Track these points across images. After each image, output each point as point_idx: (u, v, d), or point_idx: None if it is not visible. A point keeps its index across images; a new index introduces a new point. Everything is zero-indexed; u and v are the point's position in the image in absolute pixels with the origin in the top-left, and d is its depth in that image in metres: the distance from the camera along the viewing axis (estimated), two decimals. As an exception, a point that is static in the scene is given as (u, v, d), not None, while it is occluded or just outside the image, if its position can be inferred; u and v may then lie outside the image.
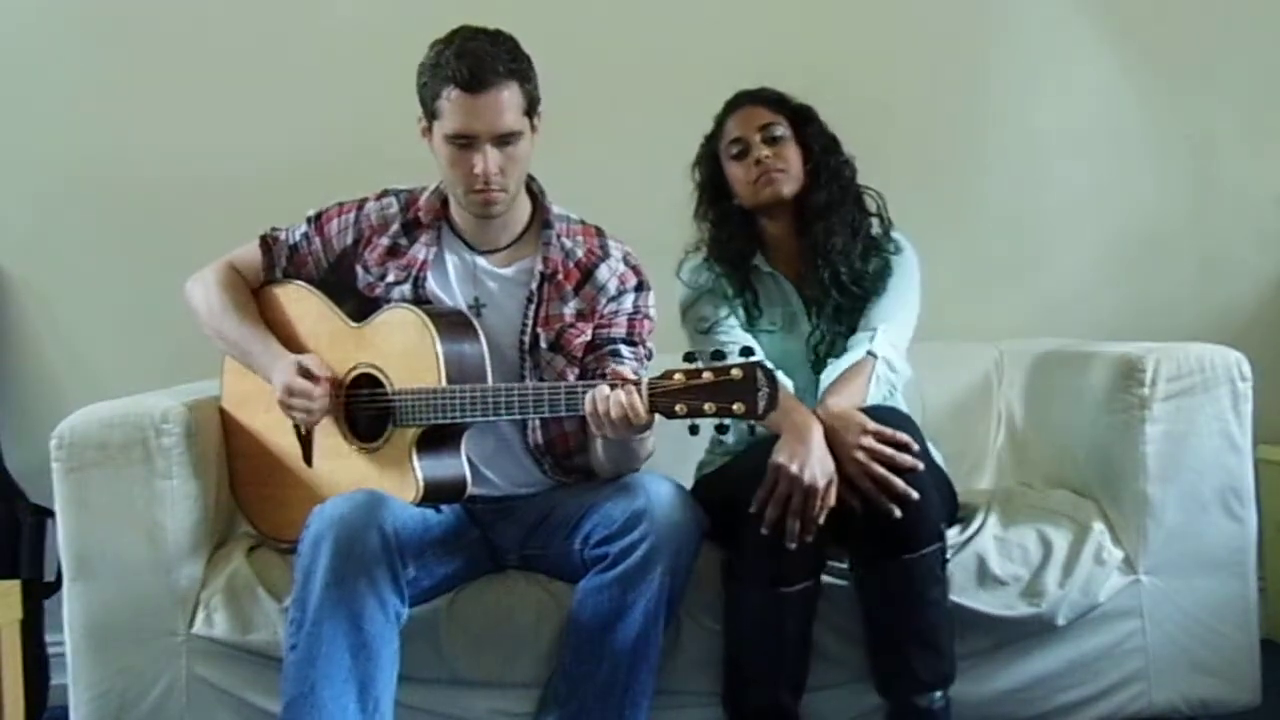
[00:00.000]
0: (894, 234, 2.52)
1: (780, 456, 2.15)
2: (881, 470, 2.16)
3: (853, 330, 2.43)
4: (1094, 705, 2.34)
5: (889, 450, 2.18)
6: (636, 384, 1.97)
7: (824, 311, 2.46)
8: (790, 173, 2.46)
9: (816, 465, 2.15)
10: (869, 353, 2.36)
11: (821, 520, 2.15)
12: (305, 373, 2.22)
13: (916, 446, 2.19)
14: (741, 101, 2.53)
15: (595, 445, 2.22)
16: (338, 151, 2.97)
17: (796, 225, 2.50)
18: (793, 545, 2.13)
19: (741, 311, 2.48)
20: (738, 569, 2.22)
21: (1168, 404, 2.32)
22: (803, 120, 2.51)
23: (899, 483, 2.15)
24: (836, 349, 2.44)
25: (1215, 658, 2.35)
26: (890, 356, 2.37)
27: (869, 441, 2.18)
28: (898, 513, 2.14)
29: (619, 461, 2.22)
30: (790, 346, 2.47)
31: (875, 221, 2.52)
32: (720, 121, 2.55)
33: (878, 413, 2.25)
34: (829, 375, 2.37)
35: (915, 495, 2.15)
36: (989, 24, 3.19)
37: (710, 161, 2.55)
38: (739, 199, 2.50)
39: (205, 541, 2.31)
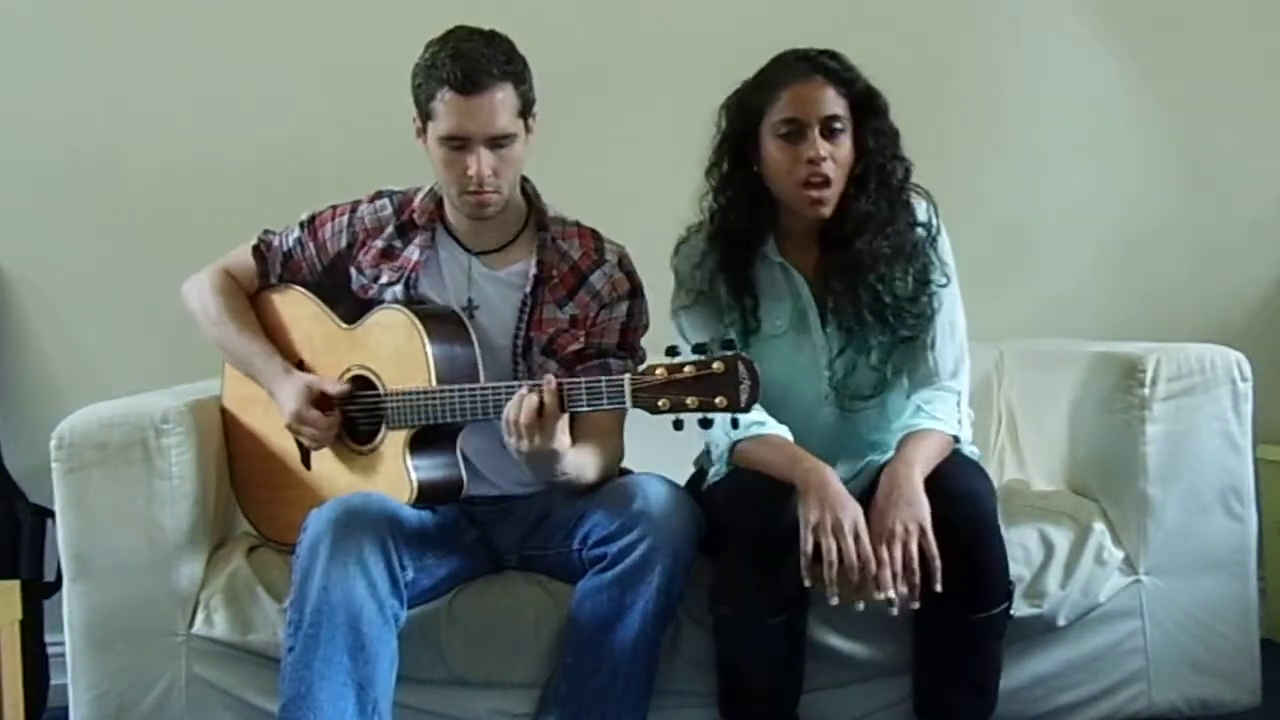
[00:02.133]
0: (941, 248, 2.26)
1: (811, 515, 2.03)
2: (894, 566, 2.03)
3: (869, 340, 2.22)
4: (1094, 705, 2.33)
5: (913, 556, 2.03)
6: (557, 387, 1.98)
7: (846, 324, 2.23)
8: (836, 186, 2.16)
9: (845, 512, 2.04)
10: (954, 437, 2.19)
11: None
12: (318, 401, 2.20)
13: (938, 586, 2.04)
14: (808, 72, 2.16)
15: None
16: (338, 149, 2.96)
17: (821, 225, 2.23)
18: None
19: (740, 321, 2.24)
20: (721, 597, 2.15)
21: (1168, 404, 2.31)
22: (866, 109, 2.19)
23: (886, 584, 2.02)
24: (859, 371, 2.24)
25: (1215, 658, 2.34)
26: (966, 435, 2.24)
27: (913, 543, 2.04)
28: (860, 607, 2.06)
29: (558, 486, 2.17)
30: (800, 352, 2.26)
31: (921, 232, 2.23)
32: (775, 81, 2.17)
33: (957, 466, 2.15)
34: (907, 419, 2.20)
35: (893, 608, 2.04)
36: (989, 25, 3.18)
37: (745, 116, 2.20)
38: (766, 180, 2.21)
39: (205, 541, 2.31)
